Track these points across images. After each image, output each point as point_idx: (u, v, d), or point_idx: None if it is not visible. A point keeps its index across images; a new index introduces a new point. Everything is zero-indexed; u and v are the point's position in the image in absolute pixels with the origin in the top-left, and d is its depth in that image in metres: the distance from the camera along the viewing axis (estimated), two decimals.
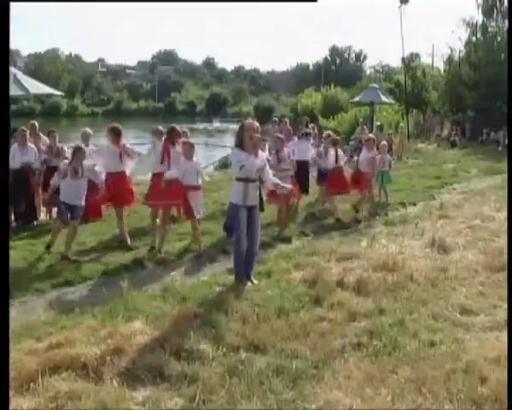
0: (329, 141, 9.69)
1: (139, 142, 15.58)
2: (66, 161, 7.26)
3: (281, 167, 8.07)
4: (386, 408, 3.47)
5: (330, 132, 10.84)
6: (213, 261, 6.98)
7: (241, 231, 5.84)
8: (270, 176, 6.15)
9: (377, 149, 11.20)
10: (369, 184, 10.01)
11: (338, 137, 9.92)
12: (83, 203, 7.03)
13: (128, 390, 3.68)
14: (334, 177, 9.51)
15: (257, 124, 5.92)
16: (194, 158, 7.37)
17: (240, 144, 5.78)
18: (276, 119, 18.03)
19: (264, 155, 5.96)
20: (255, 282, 5.90)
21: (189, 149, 7.20)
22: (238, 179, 5.81)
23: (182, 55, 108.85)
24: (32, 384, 3.71)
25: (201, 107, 76.75)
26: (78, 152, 7.00)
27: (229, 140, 35.18)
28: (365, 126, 20.78)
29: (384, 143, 11.54)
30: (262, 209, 7.93)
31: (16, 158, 8.65)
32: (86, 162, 7.05)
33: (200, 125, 48.86)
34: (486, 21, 28.92)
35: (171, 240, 7.75)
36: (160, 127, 8.13)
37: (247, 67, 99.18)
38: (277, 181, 6.30)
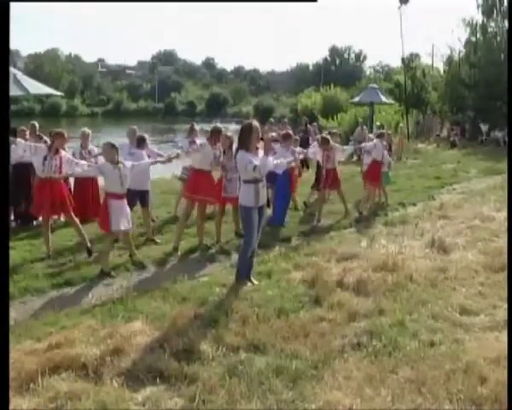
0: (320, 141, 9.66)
1: None
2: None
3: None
4: (386, 408, 3.47)
5: (331, 132, 10.88)
6: (213, 261, 6.98)
7: (253, 234, 5.84)
8: (274, 162, 6.15)
9: None
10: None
11: (327, 137, 9.73)
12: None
13: (128, 391, 3.69)
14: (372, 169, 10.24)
15: (257, 125, 5.90)
16: (128, 163, 6.69)
17: (245, 146, 5.69)
18: (273, 120, 18.13)
19: (261, 153, 5.91)
20: (255, 282, 5.90)
21: (107, 151, 6.55)
22: (247, 181, 5.74)
23: (182, 55, 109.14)
24: (31, 384, 3.71)
25: (201, 107, 76.67)
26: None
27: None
28: (365, 126, 20.81)
29: (384, 143, 11.56)
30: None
31: (14, 157, 8.63)
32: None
33: (198, 126, 48.70)
34: (486, 21, 28.91)
35: (170, 240, 7.75)
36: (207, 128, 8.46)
37: (247, 67, 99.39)
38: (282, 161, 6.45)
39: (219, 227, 7.89)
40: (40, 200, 7.07)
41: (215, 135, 7.44)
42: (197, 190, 7.34)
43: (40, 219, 9.05)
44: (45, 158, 6.98)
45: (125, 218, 6.51)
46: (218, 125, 7.83)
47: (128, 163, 6.68)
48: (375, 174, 10.21)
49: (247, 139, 5.69)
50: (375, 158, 10.24)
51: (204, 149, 7.35)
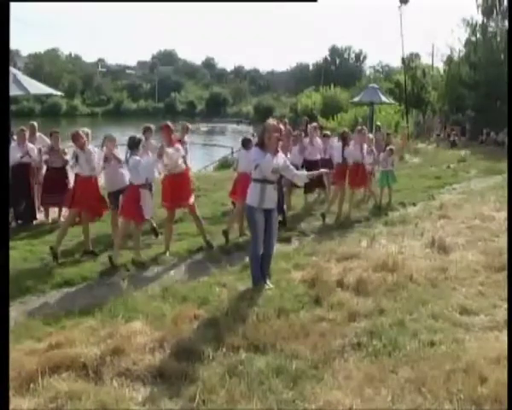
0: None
1: None
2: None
3: None
4: (386, 408, 3.47)
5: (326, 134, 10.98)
6: (213, 261, 6.97)
7: (257, 235, 5.69)
8: (294, 171, 6.03)
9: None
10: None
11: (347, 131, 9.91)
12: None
13: (128, 390, 3.69)
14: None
15: (278, 125, 5.84)
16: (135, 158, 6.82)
17: (261, 144, 5.69)
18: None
19: (283, 155, 5.87)
20: (271, 286, 5.75)
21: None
22: (255, 180, 5.70)
23: (182, 55, 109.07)
24: (31, 384, 3.71)
25: (201, 107, 76.71)
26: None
27: (229, 140, 35.16)
28: (365, 126, 20.79)
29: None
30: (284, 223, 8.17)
31: (13, 157, 8.64)
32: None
33: (199, 126, 48.90)
34: (486, 21, 28.96)
35: (170, 240, 7.74)
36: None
37: (247, 67, 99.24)
38: (303, 172, 6.41)
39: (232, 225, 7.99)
40: (84, 197, 7.06)
41: (166, 132, 7.21)
42: (170, 198, 7.31)
43: (41, 218, 9.10)
44: (76, 158, 7.07)
45: (150, 206, 6.90)
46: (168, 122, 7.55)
47: (136, 158, 6.80)
48: (344, 175, 9.50)
49: (260, 137, 5.74)
50: (355, 160, 9.53)
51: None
